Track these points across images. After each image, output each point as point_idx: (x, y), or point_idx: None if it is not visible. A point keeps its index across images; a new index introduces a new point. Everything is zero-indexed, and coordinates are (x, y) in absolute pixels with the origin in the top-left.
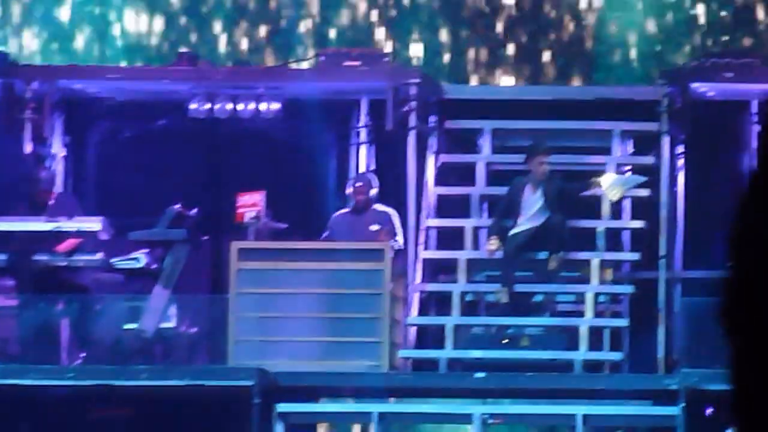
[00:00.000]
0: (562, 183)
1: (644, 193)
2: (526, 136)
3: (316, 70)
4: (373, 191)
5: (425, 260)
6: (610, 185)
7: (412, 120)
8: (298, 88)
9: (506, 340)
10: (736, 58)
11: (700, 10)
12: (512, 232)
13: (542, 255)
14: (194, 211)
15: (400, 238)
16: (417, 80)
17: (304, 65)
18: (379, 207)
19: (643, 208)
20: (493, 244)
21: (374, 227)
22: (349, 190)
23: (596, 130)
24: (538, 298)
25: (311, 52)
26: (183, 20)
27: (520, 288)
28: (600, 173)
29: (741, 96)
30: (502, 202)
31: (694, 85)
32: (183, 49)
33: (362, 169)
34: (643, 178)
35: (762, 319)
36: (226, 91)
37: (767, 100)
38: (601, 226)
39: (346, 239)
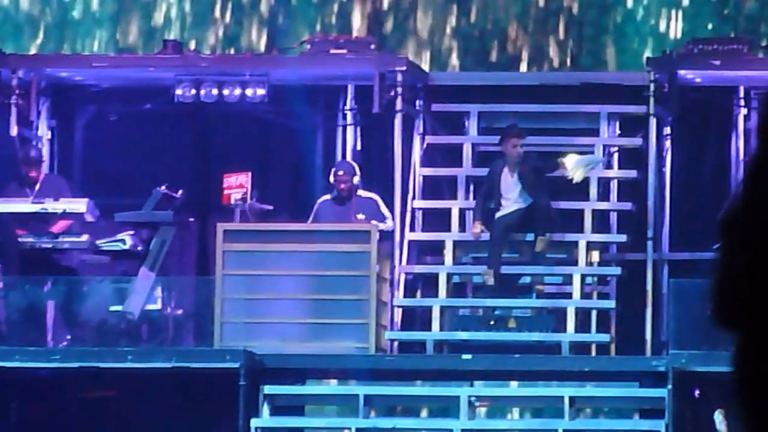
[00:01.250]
0: (536, 164)
1: (632, 174)
2: (513, 118)
3: (302, 57)
4: (356, 178)
5: (411, 242)
6: (573, 166)
7: (399, 104)
8: (285, 74)
9: (493, 322)
10: (722, 44)
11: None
12: (498, 214)
13: (529, 237)
14: (180, 192)
15: (389, 222)
16: (403, 67)
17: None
18: (363, 193)
19: (631, 190)
20: (477, 227)
21: (360, 216)
22: (331, 179)
23: (584, 113)
24: (525, 279)
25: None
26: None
27: (506, 270)
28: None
29: (728, 82)
30: (483, 186)
31: (682, 72)
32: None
33: (348, 150)
34: (603, 159)
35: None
36: (213, 77)
37: None
38: (588, 207)
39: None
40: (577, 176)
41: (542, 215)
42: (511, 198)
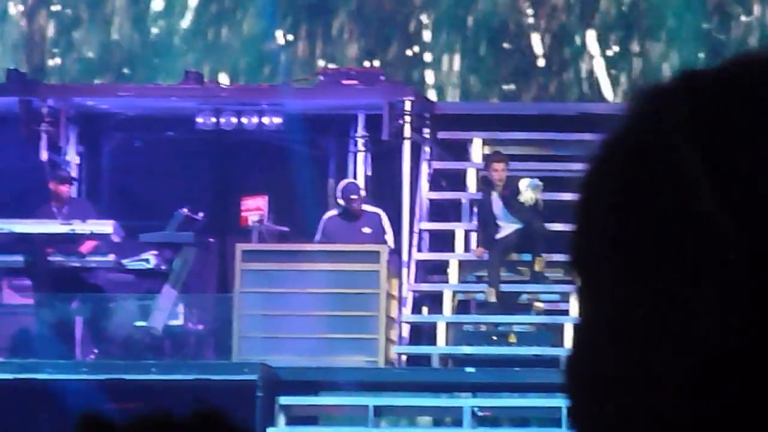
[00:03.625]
0: (515, 188)
1: None
2: (514, 145)
3: (316, 88)
4: (362, 194)
5: (419, 261)
6: (524, 189)
7: (407, 131)
8: (299, 103)
9: (495, 337)
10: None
11: None
12: (497, 236)
13: (525, 257)
14: (201, 215)
15: (389, 237)
16: (411, 97)
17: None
18: (368, 208)
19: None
20: (479, 251)
21: (366, 230)
22: (340, 200)
23: (583, 141)
24: (525, 297)
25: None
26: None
27: (507, 288)
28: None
29: None
30: (479, 211)
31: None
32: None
33: (360, 175)
34: (540, 183)
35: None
36: (232, 107)
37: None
38: None
39: (340, 243)
40: (527, 199)
41: (536, 236)
42: (504, 221)
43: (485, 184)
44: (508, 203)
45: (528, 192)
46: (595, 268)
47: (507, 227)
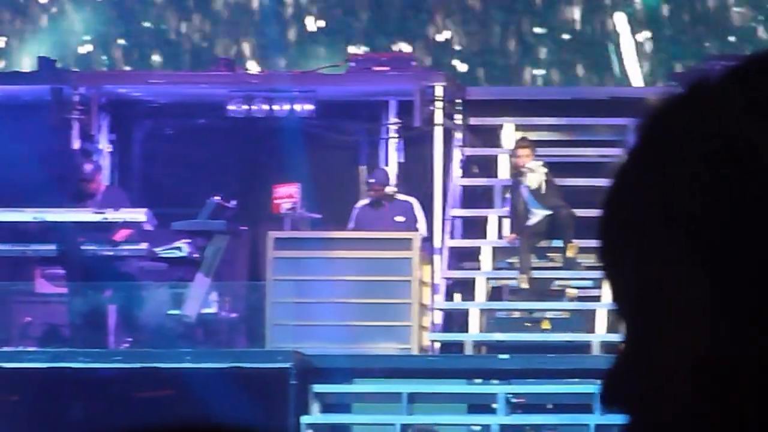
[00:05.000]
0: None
1: None
2: (545, 130)
3: (347, 74)
4: (391, 183)
5: (451, 248)
6: (530, 173)
7: (438, 117)
8: (331, 90)
9: (528, 324)
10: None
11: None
12: (528, 223)
13: (556, 243)
14: (233, 202)
15: (422, 226)
16: (442, 83)
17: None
18: (401, 197)
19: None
20: (511, 237)
21: (399, 218)
22: (365, 187)
23: (612, 125)
24: (558, 283)
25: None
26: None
27: (540, 274)
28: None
29: None
30: (512, 196)
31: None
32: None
33: (391, 162)
34: (545, 168)
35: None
36: (263, 93)
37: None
38: None
39: (372, 231)
40: (532, 183)
41: (564, 222)
42: (534, 207)
43: (515, 169)
44: (532, 189)
45: (534, 176)
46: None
47: (538, 213)
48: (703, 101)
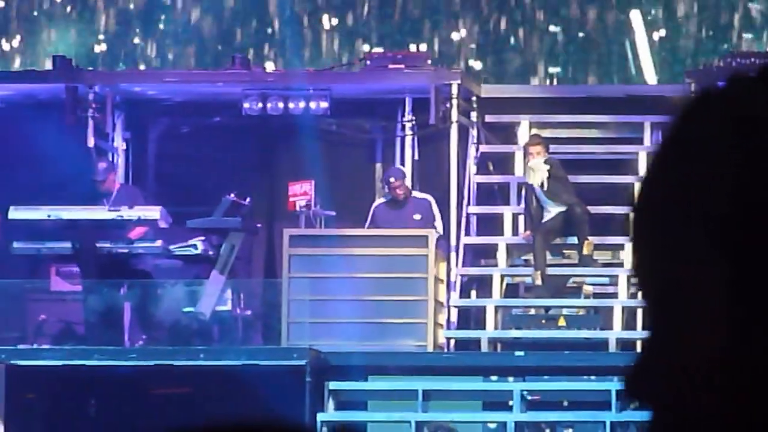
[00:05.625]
0: (556, 171)
1: None
2: (561, 128)
3: (362, 72)
4: (407, 180)
5: (467, 245)
6: (531, 173)
7: (454, 115)
8: (346, 88)
9: (544, 321)
10: (760, 58)
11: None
12: (544, 220)
13: (571, 240)
14: (248, 200)
15: (439, 224)
16: (458, 81)
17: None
18: (418, 194)
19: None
20: (526, 234)
21: (416, 216)
22: (383, 186)
23: (628, 123)
24: (573, 280)
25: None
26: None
27: (556, 271)
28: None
29: None
30: (527, 194)
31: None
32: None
33: (407, 159)
34: (546, 166)
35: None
36: (278, 92)
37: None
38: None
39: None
40: (534, 180)
41: (577, 219)
42: (547, 204)
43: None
44: (543, 187)
45: (535, 174)
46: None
47: (552, 210)
48: (730, 101)
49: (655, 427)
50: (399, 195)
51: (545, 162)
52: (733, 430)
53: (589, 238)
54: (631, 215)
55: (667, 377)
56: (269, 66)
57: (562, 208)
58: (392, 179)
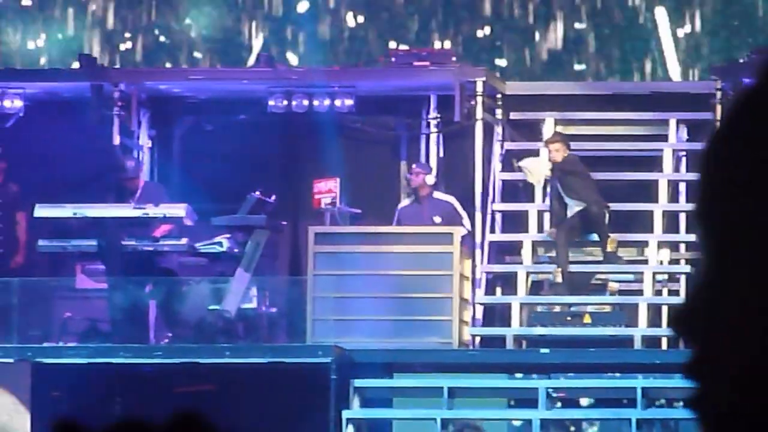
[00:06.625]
0: (572, 168)
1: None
2: (587, 125)
3: (387, 69)
4: (429, 177)
5: (492, 242)
6: (529, 170)
7: (479, 112)
8: (371, 85)
9: (569, 318)
10: None
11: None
12: (565, 216)
13: (592, 237)
14: (273, 197)
15: (466, 221)
16: (482, 78)
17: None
18: (440, 196)
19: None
20: (551, 231)
21: (437, 219)
22: (405, 183)
23: (654, 120)
24: (598, 277)
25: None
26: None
27: (581, 268)
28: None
29: None
30: (552, 191)
31: (746, 80)
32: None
33: (432, 157)
34: (549, 164)
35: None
36: (303, 89)
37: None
38: (658, 209)
39: None
40: (534, 180)
41: (594, 217)
42: (569, 201)
43: (551, 163)
44: (563, 184)
45: (532, 174)
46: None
47: (574, 208)
48: None
49: (691, 368)
50: (413, 183)
51: (565, 158)
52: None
53: (611, 235)
54: (704, 156)
55: (712, 320)
56: (293, 63)
57: (583, 206)
58: (414, 166)
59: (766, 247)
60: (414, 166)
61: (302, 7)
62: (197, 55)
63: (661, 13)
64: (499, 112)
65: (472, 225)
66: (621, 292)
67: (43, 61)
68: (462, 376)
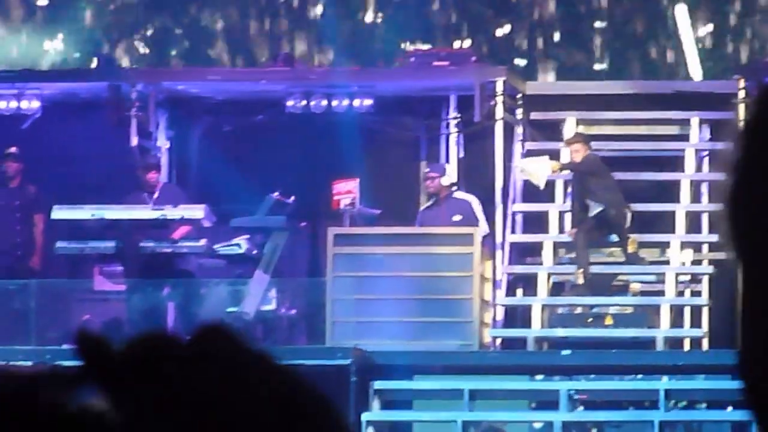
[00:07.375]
0: (590, 169)
1: (722, 177)
2: (608, 124)
3: (407, 69)
4: (445, 179)
5: (512, 243)
6: (529, 172)
7: (499, 112)
8: (390, 85)
9: (591, 319)
10: None
11: None
12: (586, 217)
13: (612, 238)
14: (292, 199)
15: (483, 224)
16: (503, 78)
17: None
18: (460, 195)
19: (721, 192)
20: (572, 232)
21: (456, 218)
22: (425, 183)
23: (676, 119)
24: (620, 279)
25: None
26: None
27: (602, 269)
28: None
29: None
30: (573, 191)
31: None
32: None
33: (452, 157)
34: (552, 162)
35: None
36: (322, 89)
37: None
38: (680, 209)
39: None
40: (537, 181)
41: (611, 219)
42: (590, 202)
43: (572, 164)
44: (583, 185)
45: (535, 175)
46: None
47: (594, 208)
48: None
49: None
50: (429, 188)
51: (585, 158)
52: None
53: (632, 235)
54: (740, 140)
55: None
56: (312, 63)
57: (603, 207)
58: (427, 169)
59: None
60: (427, 170)
61: (321, 5)
62: (216, 54)
63: (681, 11)
64: (519, 112)
65: (493, 226)
66: (643, 293)
67: (59, 61)
68: (483, 378)
